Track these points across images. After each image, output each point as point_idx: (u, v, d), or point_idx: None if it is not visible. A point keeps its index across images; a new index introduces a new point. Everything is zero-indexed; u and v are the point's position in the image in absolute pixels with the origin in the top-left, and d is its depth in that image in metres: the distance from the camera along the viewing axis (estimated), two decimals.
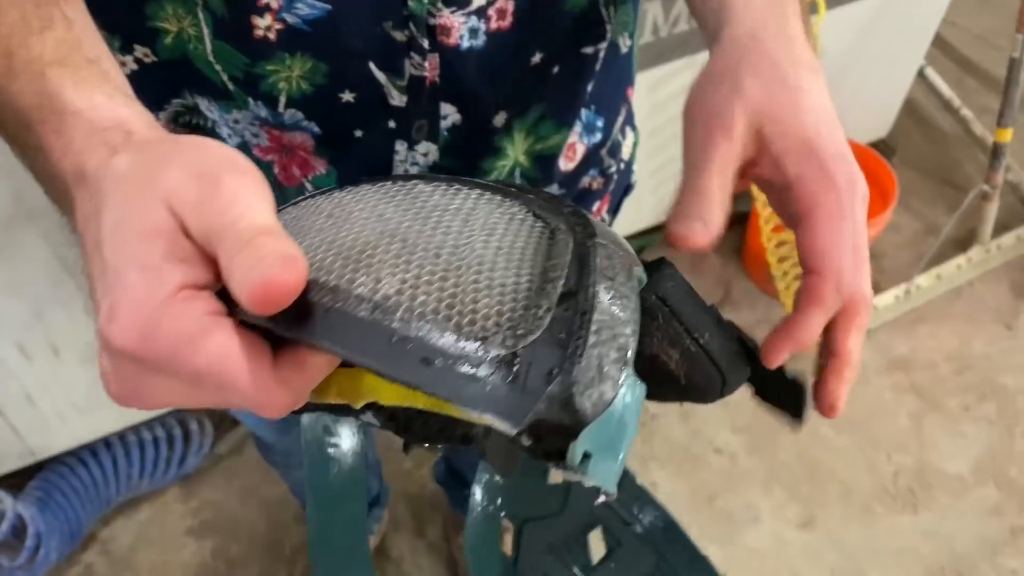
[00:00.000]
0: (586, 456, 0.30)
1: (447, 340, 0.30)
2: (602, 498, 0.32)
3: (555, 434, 0.30)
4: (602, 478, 0.31)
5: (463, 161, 0.62)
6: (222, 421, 1.67)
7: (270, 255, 0.29)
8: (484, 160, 0.62)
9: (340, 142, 0.58)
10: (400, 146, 0.59)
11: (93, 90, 0.35)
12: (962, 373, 1.85)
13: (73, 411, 1.44)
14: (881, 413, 1.78)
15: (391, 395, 0.40)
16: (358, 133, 0.58)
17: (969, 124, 2.09)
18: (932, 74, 2.11)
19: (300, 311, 0.31)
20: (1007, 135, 1.74)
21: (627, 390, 0.32)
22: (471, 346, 0.30)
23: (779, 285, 1.71)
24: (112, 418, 1.50)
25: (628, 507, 0.65)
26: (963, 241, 2.02)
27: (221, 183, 0.31)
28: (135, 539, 1.59)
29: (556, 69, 0.60)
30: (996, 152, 1.77)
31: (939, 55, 2.40)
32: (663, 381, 0.44)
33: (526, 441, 0.31)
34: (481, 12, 0.53)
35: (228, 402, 0.33)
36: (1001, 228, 2.00)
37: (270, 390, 0.32)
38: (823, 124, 0.42)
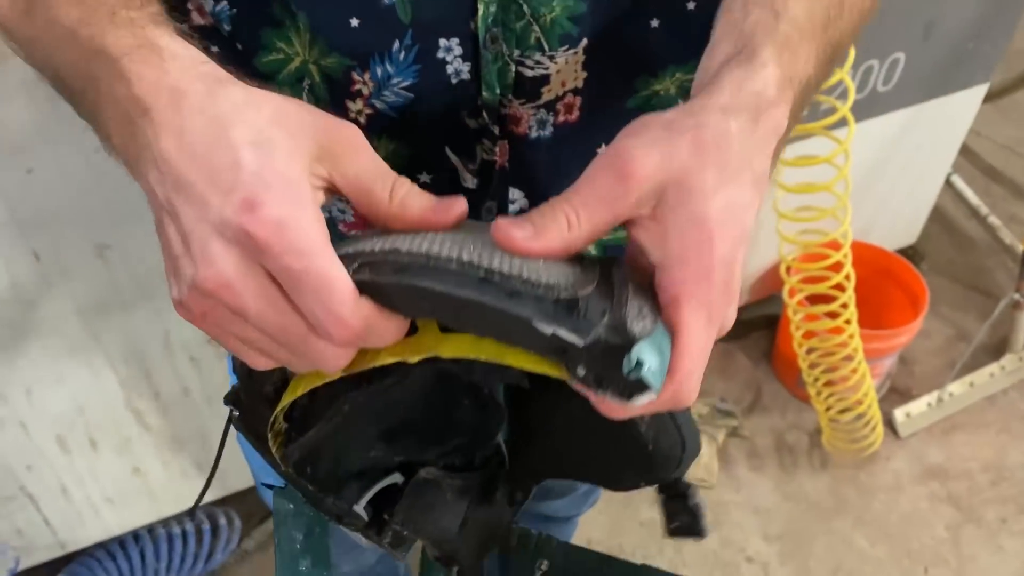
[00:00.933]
0: (639, 364, 0.37)
1: (523, 287, 0.38)
2: (649, 397, 0.38)
3: (609, 355, 0.37)
4: (652, 381, 0.37)
5: None
6: (250, 517, 1.67)
7: (429, 196, 0.41)
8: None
9: None
10: None
11: (188, 42, 0.41)
12: (999, 484, 1.81)
13: (106, 504, 1.45)
14: (917, 523, 1.74)
15: (453, 348, 0.42)
16: None
17: (997, 232, 2.10)
18: (959, 182, 2.14)
19: (400, 266, 0.38)
20: None
21: (660, 329, 0.39)
22: (542, 290, 0.38)
23: (811, 391, 1.70)
24: (143, 511, 1.51)
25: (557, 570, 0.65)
26: (995, 349, 2.01)
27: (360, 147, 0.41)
28: None
29: None
30: None
31: (966, 164, 2.44)
32: (631, 449, 0.51)
33: (581, 371, 0.38)
34: (550, 106, 0.57)
35: (307, 310, 0.37)
36: None
37: (352, 310, 0.37)
38: (730, 224, 0.39)
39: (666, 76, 0.61)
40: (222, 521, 1.61)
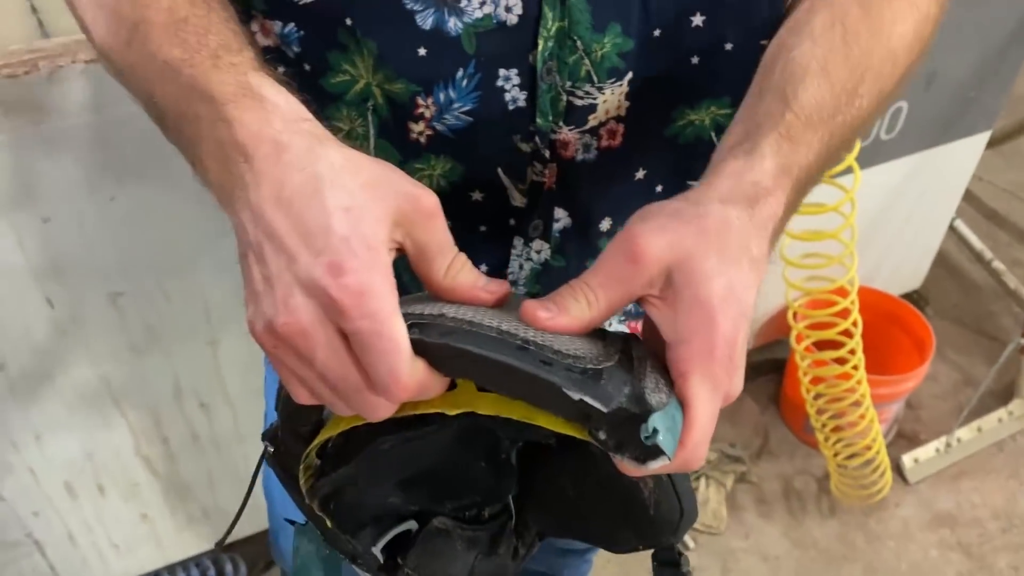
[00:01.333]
0: (655, 431, 0.40)
1: (555, 356, 0.42)
2: (663, 462, 0.41)
3: (628, 422, 0.40)
4: (666, 446, 0.41)
5: (570, 261, 0.69)
6: (255, 563, 1.66)
7: (479, 275, 0.46)
8: (589, 261, 0.70)
9: (467, 235, 0.65)
10: (517, 242, 0.67)
11: (290, 92, 0.45)
12: (1009, 531, 1.80)
13: (112, 550, 1.44)
14: (928, 572, 1.73)
15: (488, 406, 0.46)
16: (482, 228, 0.67)
17: (1001, 276, 2.11)
18: (963, 227, 2.15)
19: (446, 330, 0.42)
20: None
21: (674, 402, 0.43)
22: (571, 361, 0.42)
23: (819, 436, 1.70)
24: (149, 557, 1.50)
25: None
26: (1003, 393, 2.01)
27: (434, 216, 0.44)
28: None
29: (659, 188, 0.69)
30: None
31: (969, 208, 2.45)
32: (633, 512, 0.54)
33: (602, 435, 0.41)
34: (594, 131, 0.62)
35: (370, 367, 0.40)
36: None
37: (410, 371, 0.41)
38: (731, 304, 0.43)
39: (702, 108, 0.65)
40: (228, 568, 1.59)
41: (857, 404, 1.61)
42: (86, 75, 0.97)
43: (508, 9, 0.55)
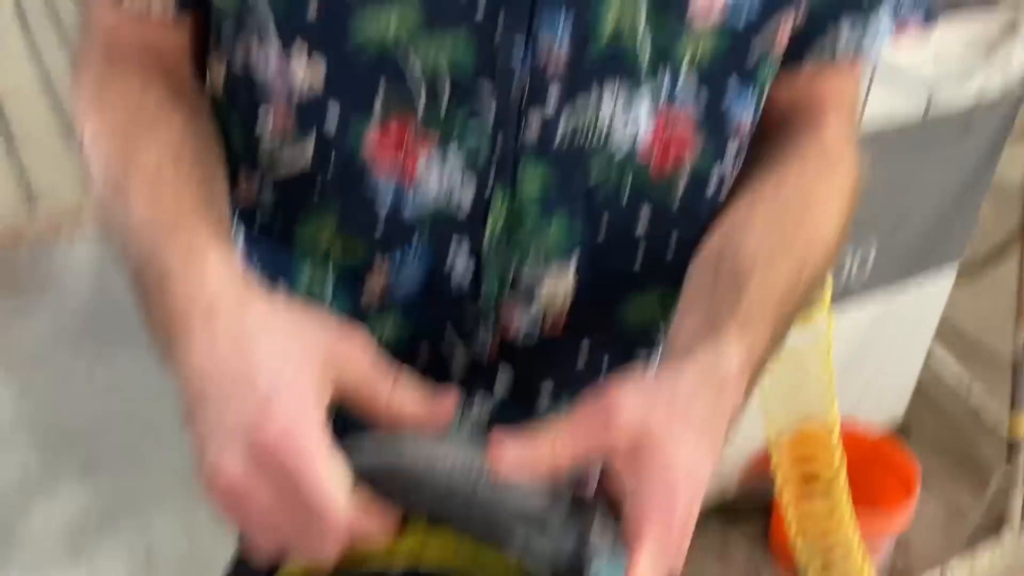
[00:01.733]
0: None
1: (505, 493, 0.43)
2: None
3: (571, 569, 0.41)
4: None
5: (509, 422, 0.70)
6: None
7: (421, 401, 0.47)
8: (528, 424, 0.71)
9: None
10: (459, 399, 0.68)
11: (231, 255, 0.48)
12: None
13: None
14: None
15: (434, 554, 0.47)
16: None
17: (981, 405, 2.12)
18: (940, 358, 2.17)
19: (395, 457, 0.44)
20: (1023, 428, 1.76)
21: (621, 552, 0.44)
22: (520, 500, 0.43)
23: None
24: None
25: None
26: (993, 524, 1.98)
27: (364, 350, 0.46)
28: None
29: (604, 366, 0.71)
30: (1013, 448, 1.78)
31: (944, 337, 2.48)
32: None
33: None
34: (539, 311, 0.65)
35: (303, 506, 0.41)
36: None
37: (343, 508, 0.41)
38: (692, 479, 0.45)
39: (647, 295, 0.68)
40: None
41: (846, 544, 1.58)
42: (70, 250, 0.99)
43: (462, 191, 0.58)
